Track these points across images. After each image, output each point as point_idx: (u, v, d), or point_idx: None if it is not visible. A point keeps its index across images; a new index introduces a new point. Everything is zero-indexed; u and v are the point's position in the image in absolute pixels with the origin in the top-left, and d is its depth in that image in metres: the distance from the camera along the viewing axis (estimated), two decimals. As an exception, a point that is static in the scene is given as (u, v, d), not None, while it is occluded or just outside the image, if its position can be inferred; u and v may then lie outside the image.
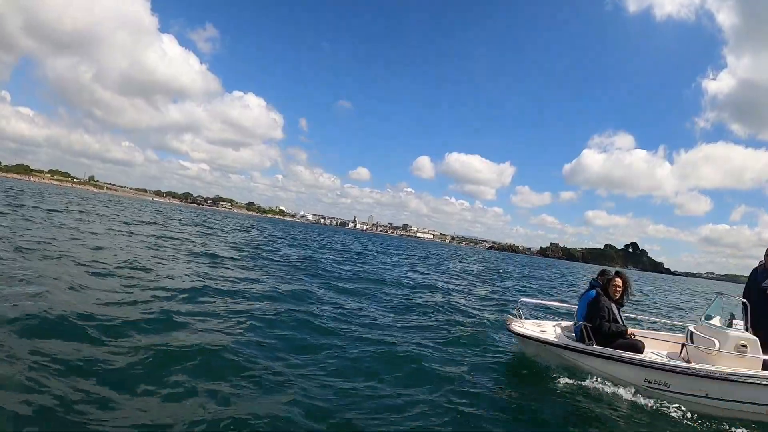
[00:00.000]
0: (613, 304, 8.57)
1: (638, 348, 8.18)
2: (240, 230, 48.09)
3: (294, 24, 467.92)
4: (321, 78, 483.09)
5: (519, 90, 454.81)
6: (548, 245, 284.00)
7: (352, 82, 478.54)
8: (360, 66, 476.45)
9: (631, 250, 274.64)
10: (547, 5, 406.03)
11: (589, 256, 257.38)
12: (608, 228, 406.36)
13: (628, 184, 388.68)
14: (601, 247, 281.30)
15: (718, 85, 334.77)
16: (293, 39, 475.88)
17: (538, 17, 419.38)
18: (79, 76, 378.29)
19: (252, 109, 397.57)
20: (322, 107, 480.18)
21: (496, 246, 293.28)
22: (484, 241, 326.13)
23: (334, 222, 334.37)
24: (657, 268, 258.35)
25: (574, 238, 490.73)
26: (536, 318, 10.95)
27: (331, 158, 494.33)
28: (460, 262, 49.55)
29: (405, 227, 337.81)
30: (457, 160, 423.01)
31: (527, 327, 9.16)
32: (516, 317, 9.36)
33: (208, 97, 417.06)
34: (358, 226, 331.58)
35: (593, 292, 8.85)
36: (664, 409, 7.25)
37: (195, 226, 42.83)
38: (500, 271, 41.51)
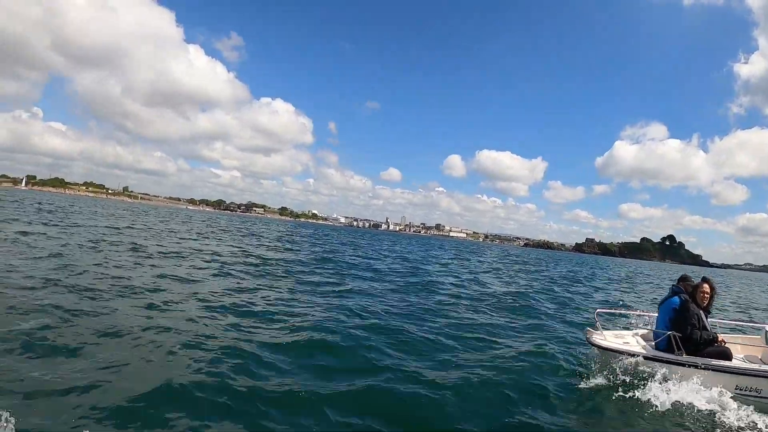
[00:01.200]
0: (700, 311, 8.47)
1: (728, 355, 8.13)
2: (310, 241, 48.27)
3: (318, 28, 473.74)
4: (348, 80, 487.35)
5: (548, 84, 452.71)
6: (584, 240, 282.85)
7: (380, 82, 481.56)
8: (387, 66, 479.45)
9: (668, 242, 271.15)
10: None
11: (626, 250, 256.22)
12: (643, 220, 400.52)
13: (662, 175, 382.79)
14: (638, 240, 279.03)
15: (750, 68, 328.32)
16: (318, 43, 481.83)
17: (564, 9, 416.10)
18: (108, 90, 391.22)
19: (281, 114, 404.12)
20: (350, 109, 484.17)
21: (531, 243, 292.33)
22: (518, 238, 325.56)
23: (366, 224, 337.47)
24: (695, 260, 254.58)
25: (609, 232, 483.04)
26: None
27: (361, 160, 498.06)
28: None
29: (438, 227, 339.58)
30: (488, 157, 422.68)
31: (609, 339, 8.97)
32: (595, 329, 9.13)
33: (237, 104, 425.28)
34: (391, 227, 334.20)
35: (676, 299, 8.65)
36: (756, 416, 7.01)
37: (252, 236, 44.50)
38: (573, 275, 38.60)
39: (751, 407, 7.21)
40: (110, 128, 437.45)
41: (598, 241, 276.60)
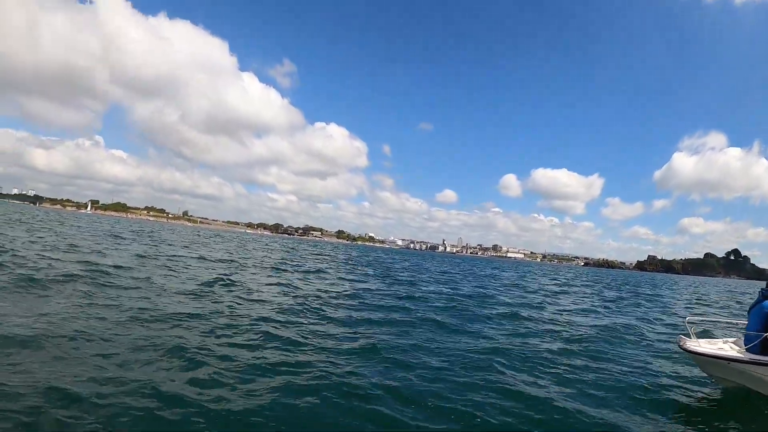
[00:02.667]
0: None
1: None
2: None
3: (368, 51, 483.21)
4: (401, 103, 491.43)
5: (601, 98, 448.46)
6: (645, 258, 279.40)
7: (432, 103, 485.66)
8: (438, 87, 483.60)
9: (732, 257, 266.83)
10: (620, 7, 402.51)
11: (690, 266, 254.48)
12: (705, 235, 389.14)
13: (723, 186, 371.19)
14: (701, 256, 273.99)
15: None
16: (368, 66, 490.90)
17: (612, 21, 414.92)
18: (165, 118, 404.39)
19: (335, 138, 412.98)
20: (404, 132, 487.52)
21: (591, 262, 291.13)
22: (576, 257, 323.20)
23: (423, 246, 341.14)
24: (762, 275, 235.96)
25: (669, 248, 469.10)
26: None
27: (416, 182, 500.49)
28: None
29: (495, 248, 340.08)
30: (544, 175, 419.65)
31: (703, 346, 9.13)
32: (688, 337, 9.27)
33: (292, 129, 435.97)
34: (448, 249, 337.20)
35: (767, 303, 8.87)
36: None
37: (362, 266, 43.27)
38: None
39: None
40: (168, 155, 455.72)
41: (660, 258, 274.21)
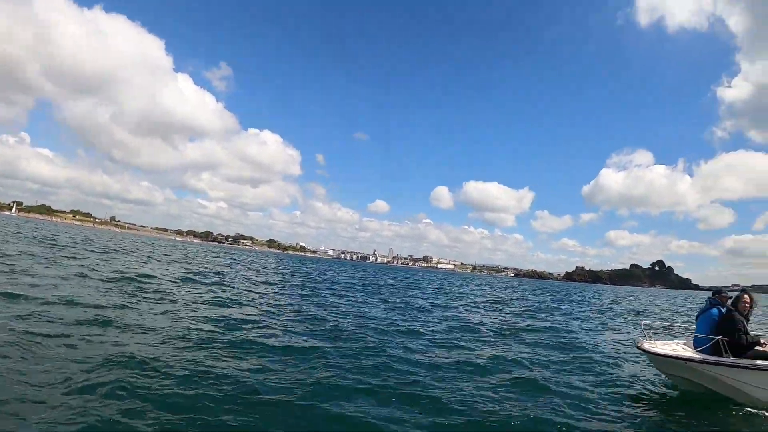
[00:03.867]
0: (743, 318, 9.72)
1: None
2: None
3: (307, 59, 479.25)
4: (337, 112, 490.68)
5: (534, 113, 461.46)
6: (573, 269, 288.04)
7: (368, 114, 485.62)
8: (375, 97, 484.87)
9: (657, 268, 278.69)
10: (557, 25, 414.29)
11: (616, 277, 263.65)
12: (631, 247, 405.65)
13: (649, 202, 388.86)
14: (627, 267, 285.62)
15: (733, 92, 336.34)
16: (306, 73, 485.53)
17: (548, 38, 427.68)
18: (96, 117, 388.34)
19: (269, 145, 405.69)
20: (338, 141, 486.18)
21: (521, 273, 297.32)
22: (506, 268, 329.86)
23: (354, 257, 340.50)
24: (684, 284, 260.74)
25: (597, 260, 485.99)
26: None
27: (349, 192, 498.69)
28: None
29: (426, 258, 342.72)
30: (475, 188, 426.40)
31: (660, 347, 10.05)
32: (645, 339, 10.21)
33: (226, 135, 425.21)
34: (379, 259, 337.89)
35: (716, 310, 10.10)
36: None
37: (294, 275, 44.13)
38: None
39: None
40: (98, 156, 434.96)
41: (588, 269, 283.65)
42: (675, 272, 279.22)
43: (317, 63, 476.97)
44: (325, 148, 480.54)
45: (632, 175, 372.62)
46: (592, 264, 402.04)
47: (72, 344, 9.11)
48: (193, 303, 17.04)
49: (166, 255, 51.85)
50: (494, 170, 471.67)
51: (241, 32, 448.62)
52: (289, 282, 34.64)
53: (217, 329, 12.35)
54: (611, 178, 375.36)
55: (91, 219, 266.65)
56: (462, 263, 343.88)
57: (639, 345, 10.09)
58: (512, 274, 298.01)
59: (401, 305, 24.97)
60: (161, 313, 13.76)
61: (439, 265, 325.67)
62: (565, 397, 9.02)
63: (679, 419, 8.55)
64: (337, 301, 23.96)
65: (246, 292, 23.09)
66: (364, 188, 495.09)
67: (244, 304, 18.24)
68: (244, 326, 13.29)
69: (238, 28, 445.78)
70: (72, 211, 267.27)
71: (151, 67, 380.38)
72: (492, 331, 17.54)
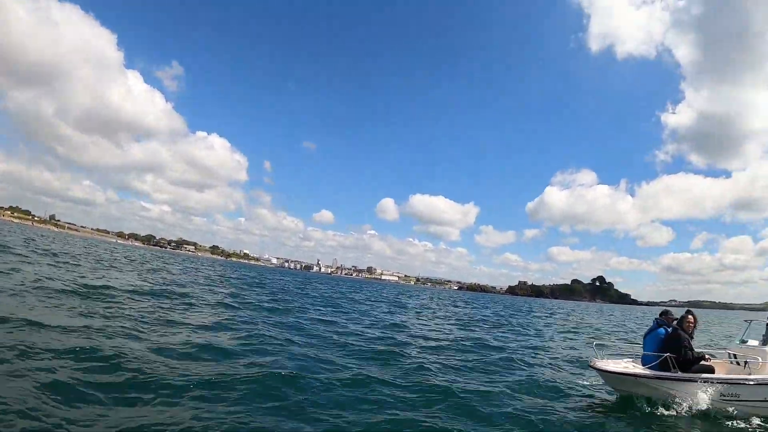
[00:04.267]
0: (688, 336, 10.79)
1: (713, 370, 10.60)
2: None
3: (260, 64, 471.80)
4: (286, 120, 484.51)
5: (482, 130, 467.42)
6: (516, 283, 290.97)
7: (317, 123, 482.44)
8: (325, 106, 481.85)
9: (598, 283, 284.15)
10: (511, 43, 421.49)
11: (558, 292, 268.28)
12: (572, 263, 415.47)
13: (591, 219, 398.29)
14: (568, 282, 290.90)
15: (677, 118, 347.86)
16: (258, 79, 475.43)
17: (497, 57, 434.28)
18: (40, 109, 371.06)
19: (216, 150, 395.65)
20: (286, 149, 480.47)
21: (464, 286, 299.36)
22: (449, 281, 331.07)
23: (298, 266, 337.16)
24: (624, 299, 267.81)
25: (538, 274, 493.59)
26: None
27: (294, 201, 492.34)
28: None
29: (369, 269, 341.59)
30: (421, 201, 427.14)
31: (612, 365, 10.95)
32: (597, 358, 11.16)
33: (173, 136, 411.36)
34: (323, 269, 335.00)
35: (662, 329, 11.16)
36: (737, 416, 9.97)
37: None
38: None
39: (733, 410, 10.09)
40: (39, 151, 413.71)
41: (530, 284, 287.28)
42: (615, 287, 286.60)
43: (270, 69, 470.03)
44: (272, 155, 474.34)
45: (575, 194, 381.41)
46: (534, 278, 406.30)
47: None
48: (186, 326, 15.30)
49: (114, 260, 49.38)
50: (441, 184, 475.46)
51: (196, 32, 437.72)
52: (276, 296, 33.72)
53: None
54: (555, 196, 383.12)
55: (30, 217, 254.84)
56: (405, 275, 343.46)
57: (592, 363, 10.89)
58: (456, 287, 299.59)
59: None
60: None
61: (383, 277, 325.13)
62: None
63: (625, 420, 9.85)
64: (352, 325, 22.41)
65: (226, 311, 20.91)
66: (309, 197, 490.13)
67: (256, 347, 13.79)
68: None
69: (193, 26, 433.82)
70: (10, 208, 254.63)
71: (100, 61, 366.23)
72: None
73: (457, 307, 48.25)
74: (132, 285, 24.70)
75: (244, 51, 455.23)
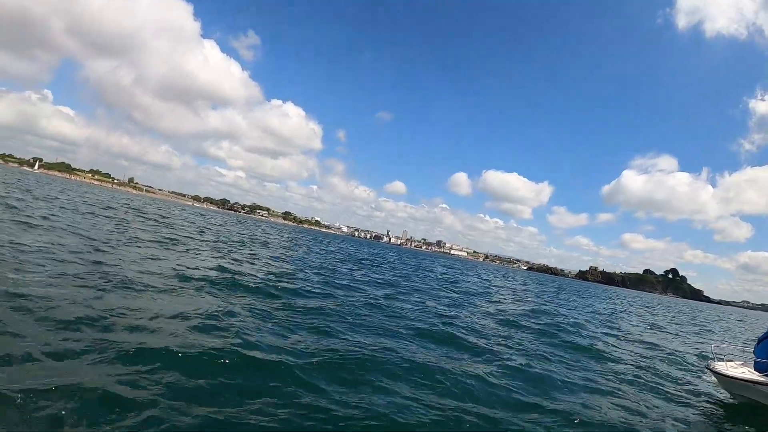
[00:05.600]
0: None
1: None
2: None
3: (336, 33, 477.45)
4: (362, 89, 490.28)
5: (561, 109, 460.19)
6: (584, 267, 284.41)
7: (394, 93, 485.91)
8: (402, 77, 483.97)
9: (671, 276, 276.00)
10: (595, 18, 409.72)
11: (629, 280, 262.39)
12: (644, 252, 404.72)
13: (668, 208, 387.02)
14: (639, 271, 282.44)
15: (766, 106, 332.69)
16: (335, 48, 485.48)
17: (581, 38, 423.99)
18: (119, 78, 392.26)
19: (291, 118, 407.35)
20: (361, 119, 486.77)
21: (534, 267, 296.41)
22: (518, 260, 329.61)
23: (368, 235, 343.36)
24: (696, 295, 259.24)
25: (609, 260, 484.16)
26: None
27: (367, 171, 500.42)
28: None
29: (439, 243, 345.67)
30: (495, 177, 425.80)
31: (731, 370, 10.88)
32: (715, 360, 11.21)
33: (249, 105, 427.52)
34: (392, 240, 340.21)
35: None
36: None
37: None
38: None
39: None
40: (119, 118, 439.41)
41: (600, 269, 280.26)
42: (687, 282, 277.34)
43: (347, 39, 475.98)
44: (347, 124, 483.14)
45: (654, 180, 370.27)
46: (604, 264, 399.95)
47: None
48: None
49: (226, 231, 50.20)
50: (516, 161, 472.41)
51: (272, 1, 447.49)
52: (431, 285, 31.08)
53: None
54: (633, 181, 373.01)
55: (110, 180, 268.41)
56: (474, 251, 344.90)
57: (711, 367, 11.18)
58: (525, 267, 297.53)
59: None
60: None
61: (452, 251, 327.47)
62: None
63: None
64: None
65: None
66: (382, 168, 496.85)
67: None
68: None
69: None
70: (91, 171, 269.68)
71: (178, 31, 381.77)
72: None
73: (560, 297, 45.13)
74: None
75: (320, 21, 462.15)
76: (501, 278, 61.00)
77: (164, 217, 48.05)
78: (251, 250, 31.13)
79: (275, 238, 54.48)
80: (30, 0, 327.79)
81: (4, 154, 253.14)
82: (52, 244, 16.27)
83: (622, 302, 59.62)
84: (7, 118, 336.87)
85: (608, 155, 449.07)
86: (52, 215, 26.13)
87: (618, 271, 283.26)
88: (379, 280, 27.30)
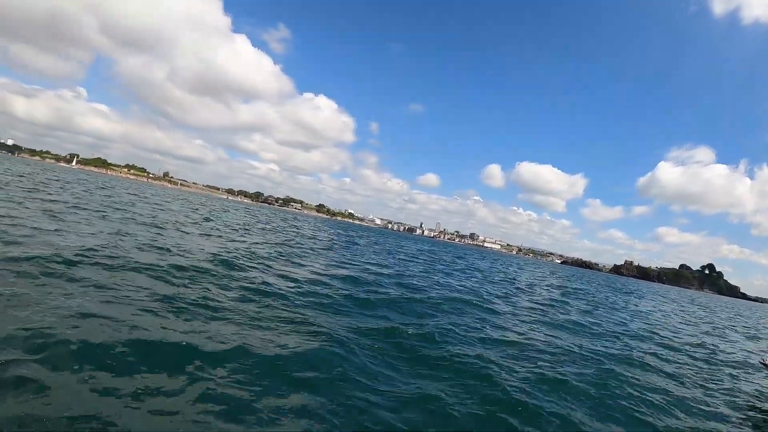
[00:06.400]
0: None
1: None
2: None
3: (367, 26, 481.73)
4: (394, 81, 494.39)
5: (595, 99, 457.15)
6: (618, 261, 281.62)
7: (425, 85, 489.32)
8: (433, 69, 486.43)
9: (707, 271, 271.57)
10: (627, 11, 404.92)
11: (664, 275, 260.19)
12: (679, 246, 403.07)
13: (704, 200, 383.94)
14: (675, 266, 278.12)
15: None
16: (366, 41, 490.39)
17: (615, 26, 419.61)
18: (152, 74, 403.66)
19: (323, 111, 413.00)
20: (393, 111, 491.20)
21: (568, 260, 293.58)
22: (551, 253, 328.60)
23: (401, 228, 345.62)
24: (733, 292, 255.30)
25: (643, 254, 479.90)
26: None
27: (400, 163, 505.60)
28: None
29: (472, 236, 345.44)
30: (528, 169, 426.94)
31: None
32: None
33: (280, 97, 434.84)
34: (426, 232, 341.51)
35: None
36: None
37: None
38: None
39: None
40: (152, 113, 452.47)
41: (636, 263, 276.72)
42: (724, 278, 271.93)
43: (378, 31, 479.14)
44: (379, 116, 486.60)
45: (690, 172, 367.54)
46: (639, 259, 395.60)
47: None
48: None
49: (267, 223, 51.94)
50: (549, 153, 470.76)
51: None
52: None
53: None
54: (669, 173, 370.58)
55: (145, 174, 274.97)
56: (508, 244, 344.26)
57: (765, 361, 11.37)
58: (559, 261, 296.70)
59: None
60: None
61: (486, 244, 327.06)
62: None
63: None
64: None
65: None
66: (415, 160, 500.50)
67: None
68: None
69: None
70: (126, 166, 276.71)
71: (208, 26, 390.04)
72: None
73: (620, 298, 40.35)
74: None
75: (351, 13, 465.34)
76: (584, 283, 55.90)
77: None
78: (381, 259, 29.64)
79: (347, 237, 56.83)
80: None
81: (41, 150, 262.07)
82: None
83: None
84: (44, 115, 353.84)
85: (644, 147, 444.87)
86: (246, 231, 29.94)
87: (652, 265, 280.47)
88: (540, 301, 22.95)
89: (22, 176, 42.50)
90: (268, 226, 41.08)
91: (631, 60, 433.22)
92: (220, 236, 23.69)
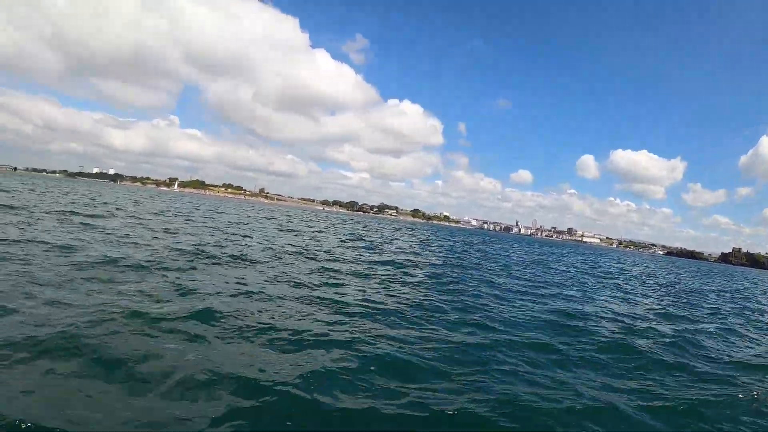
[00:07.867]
0: None
1: None
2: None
3: (445, 26, 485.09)
4: (478, 80, 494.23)
5: (686, 74, 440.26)
6: (730, 250, 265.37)
7: (511, 80, 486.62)
8: (518, 64, 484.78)
9: None
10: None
11: None
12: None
13: None
14: None
15: None
16: (443, 39, 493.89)
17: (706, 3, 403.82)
18: (237, 96, 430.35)
19: (409, 116, 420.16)
20: (480, 109, 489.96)
21: (673, 251, 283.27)
22: (653, 245, 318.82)
23: (497, 227, 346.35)
24: None
25: (751, 239, 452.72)
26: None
27: (491, 161, 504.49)
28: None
29: (570, 231, 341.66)
30: (623, 157, 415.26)
31: None
32: None
33: (365, 106, 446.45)
34: (522, 230, 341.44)
35: None
36: None
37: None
38: None
39: None
40: (241, 133, 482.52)
41: (745, 251, 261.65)
42: None
43: (456, 29, 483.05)
44: (466, 116, 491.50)
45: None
46: (747, 245, 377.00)
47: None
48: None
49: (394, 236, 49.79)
50: (644, 138, 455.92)
51: (376, 2, 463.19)
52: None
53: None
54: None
55: (242, 191, 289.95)
56: (607, 237, 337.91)
57: None
58: (662, 252, 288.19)
59: None
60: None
61: (584, 239, 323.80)
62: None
63: None
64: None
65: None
66: (506, 157, 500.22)
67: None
68: None
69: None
70: (224, 185, 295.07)
71: (287, 45, 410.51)
72: None
73: None
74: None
75: (424, 13, 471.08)
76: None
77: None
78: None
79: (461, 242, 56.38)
80: (145, 34, 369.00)
81: (142, 177, 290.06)
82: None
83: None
84: (140, 145, 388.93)
85: (743, 122, 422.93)
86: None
87: (762, 251, 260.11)
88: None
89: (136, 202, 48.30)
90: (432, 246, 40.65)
91: (726, 32, 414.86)
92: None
